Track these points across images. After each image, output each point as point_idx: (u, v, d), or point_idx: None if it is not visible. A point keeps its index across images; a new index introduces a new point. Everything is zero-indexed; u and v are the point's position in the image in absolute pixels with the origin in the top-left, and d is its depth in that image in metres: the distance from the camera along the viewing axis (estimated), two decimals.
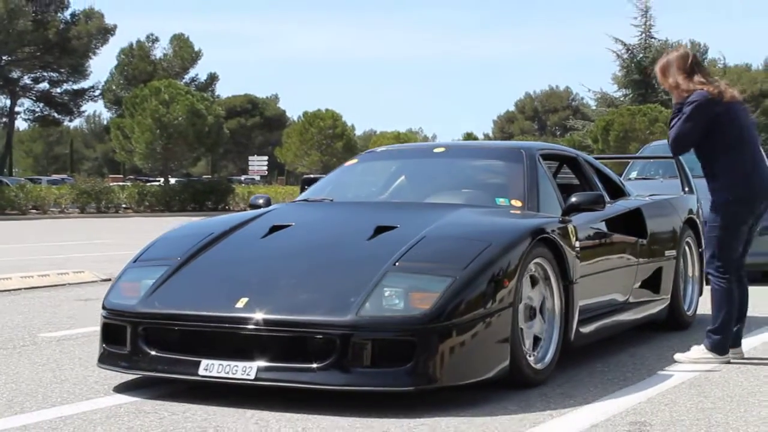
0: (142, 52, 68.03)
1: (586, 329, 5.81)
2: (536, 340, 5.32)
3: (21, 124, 68.28)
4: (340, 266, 5.10)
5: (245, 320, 4.78)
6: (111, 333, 5.19)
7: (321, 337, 4.65)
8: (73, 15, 60.72)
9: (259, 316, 4.75)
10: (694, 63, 5.97)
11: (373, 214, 5.75)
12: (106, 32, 61.39)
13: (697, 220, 7.87)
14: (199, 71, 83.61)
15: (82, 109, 65.73)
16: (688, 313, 7.55)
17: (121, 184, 52.18)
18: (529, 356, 5.17)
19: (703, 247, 6.17)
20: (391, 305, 4.70)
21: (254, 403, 4.77)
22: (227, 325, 4.82)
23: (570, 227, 5.69)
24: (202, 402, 4.82)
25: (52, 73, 61.88)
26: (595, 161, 7.36)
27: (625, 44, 55.19)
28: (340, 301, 4.73)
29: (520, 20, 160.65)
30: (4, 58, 57.80)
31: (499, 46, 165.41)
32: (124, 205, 46.34)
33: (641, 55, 55.11)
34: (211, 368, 4.77)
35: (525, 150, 6.40)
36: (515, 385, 5.07)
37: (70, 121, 69.04)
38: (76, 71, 61.79)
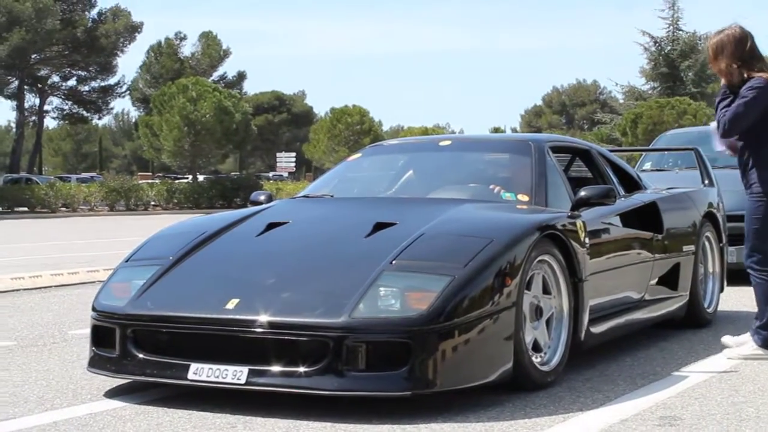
0: (170, 49, 68.09)
1: (597, 329, 5.55)
2: (543, 341, 5.07)
3: (50, 123, 68.49)
4: (335, 265, 4.87)
5: (235, 322, 4.56)
6: (100, 335, 4.99)
7: (314, 339, 4.43)
8: (100, 13, 60.77)
9: (249, 317, 4.54)
10: (752, 48, 5.67)
11: (373, 211, 5.52)
12: (133, 30, 61.37)
13: (717, 214, 7.59)
14: (227, 69, 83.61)
15: (111, 106, 65.79)
16: (709, 310, 7.27)
17: (149, 181, 52.31)
18: (535, 358, 4.92)
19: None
20: (387, 306, 4.47)
21: (242, 407, 4.57)
22: (217, 327, 4.61)
23: (579, 222, 5.43)
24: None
25: (80, 72, 61.97)
26: (609, 154, 7.08)
27: (652, 37, 54.78)
28: (334, 302, 4.50)
29: (547, 14, 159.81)
30: (32, 56, 57.91)
31: (526, 41, 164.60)
32: (153, 203, 46.47)
33: (669, 48, 54.70)
34: (201, 372, 4.56)
35: (533, 142, 6.14)
36: (521, 388, 4.83)
37: (99, 119, 69.21)
38: (104, 69, 61.85)
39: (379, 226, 5.12)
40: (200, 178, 53.48)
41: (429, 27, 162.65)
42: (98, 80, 62.75)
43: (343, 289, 4.57)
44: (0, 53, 54.21)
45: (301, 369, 4.42)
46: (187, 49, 69.10)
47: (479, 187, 5.96)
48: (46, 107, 63.00)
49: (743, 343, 5.86)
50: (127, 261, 5.38)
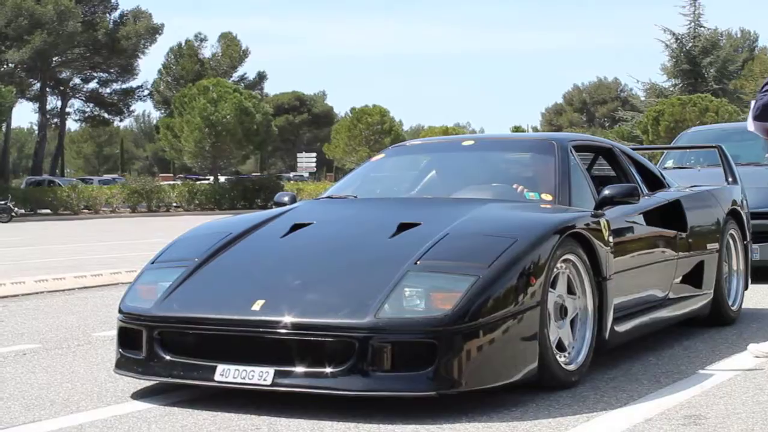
0: (190, 51, 68.26)
1: (622, 327, 5.55)
2: (568, 340, 5.08)
3: (72, 125, 68.90)
4: (360, 266, 4.88)
5: (261, 323, 4.58)
6: (127, 337, 5.02)
7: (339, 340, 4.45)
8: (121, 15, 61.12)
9: (275, 318, 4.56)
10: None
11: (397, 211, 5.53)
12: (153, 32, 61.69)
13: (742, 212, 7.57)
14: (247, 70, 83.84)
15: (132, 108, 66.14)
16: (733, 308, 7.25)
17: (171, 183, 52.53)
18: (560, 357, 4.93)
19: None
20: (412, 306, 4.48)
21: (266, 408, 4.59)
22: (243, 328, 4.63)
23: (603, 221, 5.43)
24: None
25: (101, 74, 62.33)
26: (632, 152, 7.07)
27: (674, 34, 54.59)
28: (359, 303, 4.51)
29: (567, 13, 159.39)
30: (54, 59, 58.27)
31: (546, 39, 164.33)
32: (174, 204, 46.69)
33: (690, 45, 54.46)
34: (228, 374, 4.58)
35: (556, 141, 6.14)
36: (545, 388, 4.84)
37: (120, 120, 69.68)
38: (125, 71, 62.19)
39: (403, 227, 5.13)
40: (221, 179, 53.68)
41: (449, 27, 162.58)
42: (119, 82, 63.14)
43: (368, 289, 4.59)
44: (22, 56, 54.57)
45: (327, 370, 4.44)
46: (207, 51, 69.36)
47: (502, 186, 5.97)
48: (67, 109, 63.44)
49: None
50: (153, 263, 5.41)
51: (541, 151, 6.13)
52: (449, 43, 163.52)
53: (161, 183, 50.54)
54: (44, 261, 14.92)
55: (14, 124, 58.41)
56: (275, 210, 5.97)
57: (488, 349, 4.49)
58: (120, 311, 5.10)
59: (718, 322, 7.02)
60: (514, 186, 5.92)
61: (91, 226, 30.93)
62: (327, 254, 5.08)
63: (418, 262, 4.70)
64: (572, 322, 5.12)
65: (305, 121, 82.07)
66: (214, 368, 4.63)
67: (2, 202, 37.18)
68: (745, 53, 66.59)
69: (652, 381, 5.20)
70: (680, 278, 6.56)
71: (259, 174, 62.34)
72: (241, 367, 4.57)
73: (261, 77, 72.17)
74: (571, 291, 5.11)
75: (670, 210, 6.63)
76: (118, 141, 79.27)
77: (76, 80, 62.52)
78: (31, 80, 58.40)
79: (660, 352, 6.01)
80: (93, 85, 62.94)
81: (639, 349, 6.03)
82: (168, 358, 4.80)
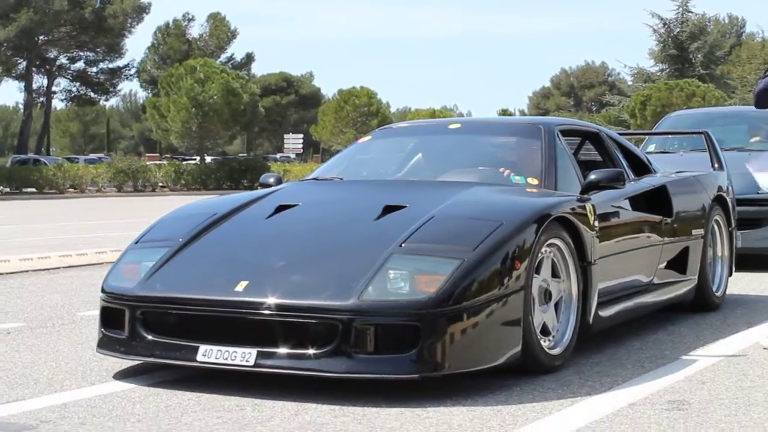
0: (178, 31, 68.05)
1: (606, 312, 5.55)
2: (552, 324, 5.08)
3: (58, 104, 68.58)
4: (344, 248, 4.87)
5: (244, 304, 4.57)
6: (110, 317, 5.00)
7: (322, 322, 4.43)
8: None
9: (258, 300, 4.54)
10: None
11: (383, 193, 5.52)
12: (141, 11, 61.37)
13: (727, 198, 7.57)
14: (235, 50, 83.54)
15: (118, 88, 65.89)
16: (717, 293, 7.26)
17: (157, 162, 52.38)
18: (544, 341, 4.92)
19: None
20: (396, 289, 4.47)
21: (251, 389, 4.58)
22: (226, 309, 4.62)
23: (588, 206, 5.42)
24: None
25: (88, 53, 62.03)
26: (619, 137, 7.06)
27: (662, 18, 54.69)
28: (343, 285, 4.50)
29: None
30: (40, 38, 57.95)
31: (534, 22, 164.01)
32: (160, 184, 46.54)
33: (678, 30, 54.55)
34: (210, 354, 4.57)
35: (543, 126, 6.13)
36: (529, 372, 4.84)
37: (106, 100, 69.38)
38: (111, 50, 61.89)
39: (389, 209, 5.12)
40: (208, 159, 53.59)
41: (437, 9, 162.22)
42: (106, 61, 62.83)
43: (353, 271, 4.58)
44: (8, 34, 54.26)
45: (310, 351, 4.43)
46: (195, 31, 69.15)
47: (489, 170, 5.95)
48: (54, 88, 63.10)
49: None
50: (136, 242, 5.38)
51: (527, 135, 6.12)
52: (437, 26, 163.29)
53: (147, 163, 50.39)
54: (29, 240, 14.87)
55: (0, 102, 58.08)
56: (260, 191, 5.94)
57: (472, 332, 4.48)
58: (103, 291, 5.07)
59: (702, 307, 7.03)
60: (501, 170, 5.91)
61: (77, 205, 30.79)
62: (312, 236, 5.07)
63: (403, 245, 4.68)
64: (556, 307, 5.12)
65: (292, 102, 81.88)
66: (196, 349, 4.61)
67: None
68: (732, 39, 66.70)
69: (636, 366, 5.20)
70: (665, 264, 6.57)
71: (245, 155, 62.22)
72: (223, 348, 4.55)
73: (249, 58, 72.02)
74: (555, 275, 5.10)
75: (655, 195, 6.62)
76: (104, 120, 78.91)
77: (63, 59, 62.23)
78: (16, 59, 58.07)
79: (644, 337, 6.02)
80: (79, 64, 62.70)
81: (623, 334, 6.04)
82: (150, 338, 4.79)
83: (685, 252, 6.79)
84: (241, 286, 4.63)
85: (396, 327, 4.38)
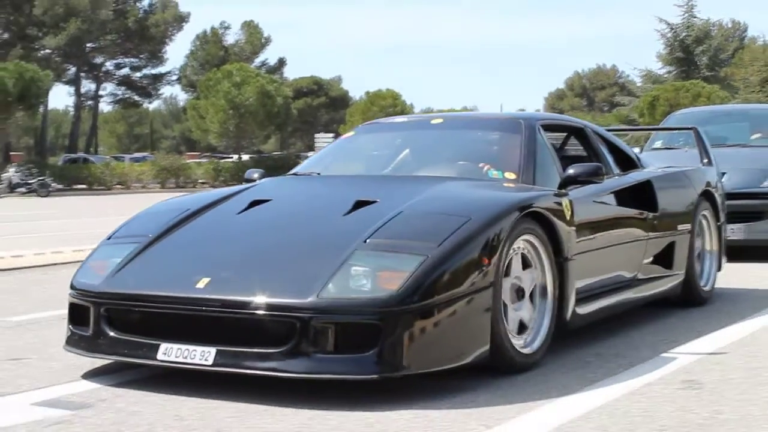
0: (215, 38, 67.80)
1: (585, 309, 5.06)
2: (527, 321, 4.61)
3: (105, 107, 68.52)
4: (310, 244, 4.42)
5: (204, 302, 4.13)
6: (76, 314, 4.59)
7: (281, 321, 3.99)
8: (150, 4, 60.63)
9: (218, 297, 4.11)
10: None
11: (356, 188, 5.06)
12: (180, 20, 61.18)
13: (715, 193, 7.07)
14: (269, 56, 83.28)
15: (160, 91, 65.70)
16: (705, 288, 6.76)
17: (197, 161, 52.28)
18: (516, 339, 4.46)
19: None
20: (358, 286, 4.01)
21: (212, 389, 4.15)
22: (186, 306, 4.18)
23: (565, 201, 4.95)
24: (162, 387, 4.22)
25: (131, 59, 61.92)
26: (605, 132, 6.55)
27: (669, 24, 54.01)
28: (304, 282, 4.05)
29: (570, 3, 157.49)
30: (88, 45, 57.85)
31: (549, 27, 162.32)
32: (201, 180, 46.41)
33: (684, 34, 53.88)
34: (170, 352, 4.14)
35: (524, 120, 5.65)
36: (499, 371, 4.38)
37: (149, 103, 69.24)
38: (153, 57, 61.77)
39: (360, 204, 4.67)
40: (245, 157, 53.34)
41: (458, 15, 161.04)
42: (148, 67, 62.67)
43: (315, 268, 4.13)
44: (58, 42, 54.25)
45: (269, 351, 3.98)
46: (230, 37, 68.81)
47: (468, 165, 5.48)
48: (101, 92, 63.03)
49: None
50: (109, 238, 4.97)
51: (507, 129, 5.64)
52: (458, 31, 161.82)
53: (188, 161, 50.31)
54: (81, 232, 14.60)
55: (51, 105, 58.17)
56: (239, 186, 5.52)
57: (435, 330, 4.02)
58: (71, 287, 4.66)
59: (689, 302, 6.53)
60: (481, 165, 5.44)
61: (124, 200, 30.56)
62: (278, 232, 4.63)
63: (368, 241, 4.23)
64: (532, 300, 4.66)
65: (323, 104, 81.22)
66: (157, 347, 4.19)
67: (41, 178, 37.17)
68: (735, 42, 65.47)
69: (650, 348, 5.07)
70: (650, 259, 6.08)
71: (279, 153, 61.84)
72: (183, 347, 4.13)
73: (281, 62, 71.61)
74: (529, 272, 4.64)
75: (640, 190, 6.13)
76: (147, 122, 78.83)
77: (109, 65, 62.15)
78: (66, 65, 58.03)
79: (657, 321, 5.92)
80: (124, 69, 62.60)
81: (637, 319, 5.92)
82: (113, 335, 4.37)
83: (671, 247, 6.29)
84: (201, 283, 4.20)
85: (356, 326, 3.93)
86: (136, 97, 64.40)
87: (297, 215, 4.78)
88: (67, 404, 4.01)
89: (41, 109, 51.05)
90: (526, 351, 4.50)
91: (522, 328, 4.56)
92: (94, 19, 54.56)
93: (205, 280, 4.21)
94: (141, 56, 61.52)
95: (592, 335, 5.12)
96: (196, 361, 4.07)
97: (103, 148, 70.48)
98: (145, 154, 64.26)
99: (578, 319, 4.98)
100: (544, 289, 4.70)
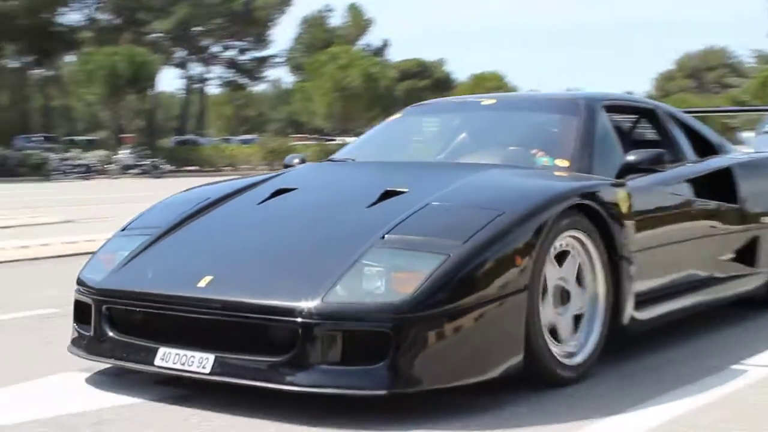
0: (319, 21, 67.82)
1: (647, 313, 4.46)
2: (568, 330, 4.07)
3: (212, 90, 69.20)
4: (325, 239, 3.94)
5: (204, 302, 3.70)
6: (80, 312, 4.22)
7: (282, 326, 3.54)
8: None
9: (218, 297, 3.68)
10: None
11: (387, 177, 4.58)
12: (284, 3, 61.31)
13: None
14: (372, 38, 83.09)
15: (267, 74, 66.11)
16: None
17: (304, 143, 52.39)
18: (558, 348, 3.92)
19: None
20: (370, 288, 3.53)
21: (205, 398, 3.73)
22: (186, 307, 3.75)
23: (621, 192, 4.37)
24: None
25: (238, 42, 62.32)
26: (681, 114, 5.89)
27: None
28: (312, 283, 3.58)
29: None
30: (196, 29, 58.45)
31: (660, 7, 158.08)
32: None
33: None
34: (168, 358, 3.73)
35: (584, 101, 5.06)
36: (536, 384, 3.85)
37: (256, 85, 69.66)
38: (259, 40, 62.07)
39: (389, 195, 4.18)
40: (349, 139, 53.23)
41: None
42: (254, 50, 63.05)
43: (326, 267, 3.66)
44: (167, 26, 54.90)
45: (270, 359, 3.54)
46: (335, 20, 68.75)
47: (518, 150, 4.94)
48: (208, 75, 63.65)
49: None
50: (123, 230, 4.58)
51: (564, 111, 5.05)
52: (566, 10, 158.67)
53: (295, 143, 50.48)
54: None
55: (160, 88, 58.94)
56: (268, 174, 5.08)
57: (456, 340, 3.51)
58: (77, 281, 4.28)
59: None
60: (534, 151, 4.88)
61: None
62: (294, 225, 4.17)
63: (387, 236, 3.74)
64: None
65: (427, 87, 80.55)
66: (155, 351, 3.78)
67: (153, 160, 37.89)
68: None
69: (720, 359, 4.47)
70: (730, 256, 5.42)
71: None
72: (182, 352, 3.71)
73: (385, 45, 71.27)
74: (575, 272, 4.09)
75: (718, 178, 5.48)
76: (254, 104, 79.37)
77: (216, 48, 62.65)
78: (175, 48, 58.72)
79: (732, 324, 5.31)
80: (231, 52, 63.04)
81: (712, 322, 5.30)
82: (113, 336, 3.98)
83: (754, 242, 5.62)
84: (204, 282, 3.77)
85: (364, 334, 3.45)
86: (243, 80, 64.89)
87: (318, 206, 4.32)
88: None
89: (151, 92, 51.77)
90: (570, 362, 3.96)
91: (567, 335, 4.02)
92: (201, 4, 55.02)
93: (208, 278, 3.78)
94: (247, 39, 61.87)
95: (651, 342, 4.57)
96: (194, 368, 3.65)
97: (211, 131, 71.24)
98: (252, 136, 64.70)
99: (638, 324, 4.40)
100: (594, 293, 4.14)
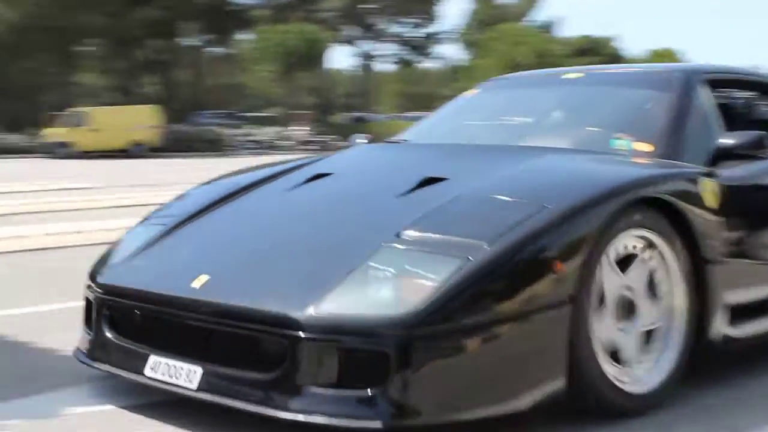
0: None
1: (743, 330, 3.68)
2: (635, 349, 3.36)
3: (382, 66, 69.17)
4: (339, 233, 3.37)
5: (195, 306, 3.20)
6: (87, 310, 3.80)
7: (271, 338, 3.00)
8: None
9: (208, 300, 3.17)
10: None
11: (434, 161, 3.97)
12: None
13: None
14: (542, 14, 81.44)
15: (435, 51, 65.59)
16: None
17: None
18: (618, 372, 3.22)
19: None
20: (374, 296, 2.94)
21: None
22: (177, 310, 3.27)
23: (709, 183, 3.60)
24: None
25: (407, 19, 62.02)
26: None
27: None
28: (307, 287, 3.03)
29: None
30: (365, 6, 58.53)
31: None
32: None
33: None
34: (158, 368, 3.26)
35: (681, 74, 4.26)
36: (588, 416, 3.18)
37: (425, 62, 69.27)
38: (428, 17, 61.63)
39: (427, 182, 3.57)
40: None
41: None
42: (423, 27, 62.63)
43: (332, 268, 3.10)
44: (338, 4, 55.13)
45: (257, 376, 3.00)
46: None
47: (595, 132, 4.19)
48: (378, 53, 63.65)
49: None
50: (146, 219, 4.14)
51: (655, 86, 4.26)
52: None
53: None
54: None
55: (331, 65, 59.49)
56: (314, 157, 4.54)
57: (472, 363, 2.88)
58: (89, 276, 3.86)
59: None
60: (618, 134, 4.13)
61: None
62: (313, 217, 3.61)
63: (403, 233, 3.14)
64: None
65: (600, 63, 78.42)
66: (146, 359, 3.32)
67: (327, 136, 38.47)
68: None
69: None
70: None
71: None
72: (171, 362, 3.23)
73: (556, 21, 69.71)
74: (644, 280, 3.37)
75: None
76: (424, 81, 79.07)
77: (385, 26, 62.51)
78: (345, 26, 58.94)
79: None
80: (400, 29, 62.76)
81: None
82: (110, 338, 3.54)
83: None
84: (198, 282, 3.27)
85: (361, 352, 2.87)
86: (412, 57, 64.67)
87: (345, 195, 3.74)
88: None
89: (321, 70, 52.28)
90: (635, 390, 3.26)
91: (632, 355, 3.32)
92: None
93: (203, 278, 3.28)
94: (416, 16, 61.50)
95: (737, 367, 3.81)
96: (181, 382, 3.16)
97: (382, 107, 71.38)
98: (423, 113, 64.46)
99: (731, 343, 3.64)
100: (669, 306, 3.42)
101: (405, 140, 4.63)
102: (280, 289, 3.09)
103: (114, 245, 3.96)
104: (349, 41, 60.78)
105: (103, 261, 3.84)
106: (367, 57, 63.09)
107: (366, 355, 2.85)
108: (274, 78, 50.78)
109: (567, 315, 3.02)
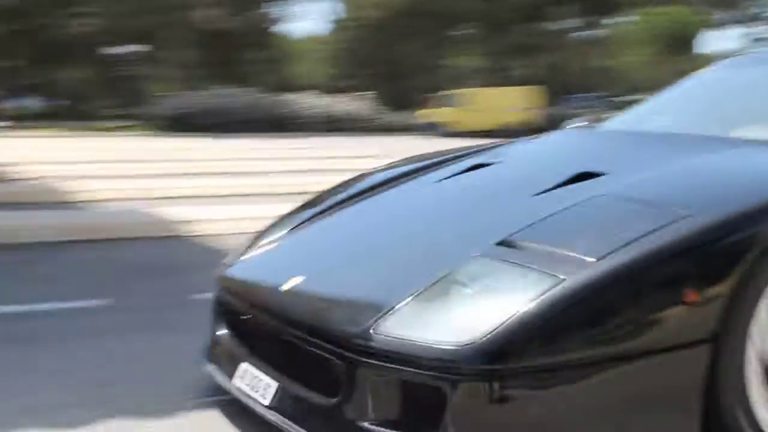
0: None
1: None
2: None
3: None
4: (441, 237, 2.78)
5: (276, 312, 2.77)
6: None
7: (332, 360, 2.50)
8: None
9: (289, 306, 2.74)
10: None
11: (607, 152, 3.27)
12: None
13: None
14: None
15: None
16: None
17: None
18: None
19: None
20: (443, 318, 2.34)
21: None
22: (262, 314, 2.87)
23: None
24: None
25: None
26: None
27: None
28: (381, 299, 2.48)
29: None
30: None
31: None
32: None
33: None
34: (245, 376, 2.88)
35: None
36: None
37: None
38: None
39: (579, 178, 2.89)
40: None
41: None
42: None
43: (413, 278, 2.53)
44: None
45: (320, 401, 2.53)
46: None
47: None
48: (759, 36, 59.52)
49: None
50: (299, 206, 3.76)
51: None
52: None
53: None
54: None
55: (699, 50, 56.32)
56: (497, 141, 3.95)
57: (554, 410, 2.22)
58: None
59: None
60: None
61: None
62: (435, 213, 3.05)
63: (505, 240, 2.52)
64: None
65: None
66: (237, 365, 2.95)
67: None
68: None
69: None
70: None
71: None
72: (256, 373, 2.84)
73: None
74: None
75: None
76: None
77: (760, 9, 58.20)
78: (716, 9, 55.68)
79: None
80: None
81: None
82: (219, 337, 3.20)
83: None
84: (290, 284, 2.84)
85: (411, 385, 2.30)
86: None
87: (482, 191, 3.12)
88: None
89: (692, 54, 50.02)
90: None
91: None
92: None
93: (297, 279, 2.84)
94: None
95: None
96: (257, 396, 2.76)
97: None
98: None
99: None
100: None
101: (604, 127, 3.90)
102: (354, 300, 2.59)
103: (261, 237, 3.62)
104: (718, 25, 57.37)
105: (236, 252, 3.52)
106: (756, 40, 59.23)
107: (422, 390, 2.28)
108: (646, 61, 49.37)
109: (703, 358, 2.27)
